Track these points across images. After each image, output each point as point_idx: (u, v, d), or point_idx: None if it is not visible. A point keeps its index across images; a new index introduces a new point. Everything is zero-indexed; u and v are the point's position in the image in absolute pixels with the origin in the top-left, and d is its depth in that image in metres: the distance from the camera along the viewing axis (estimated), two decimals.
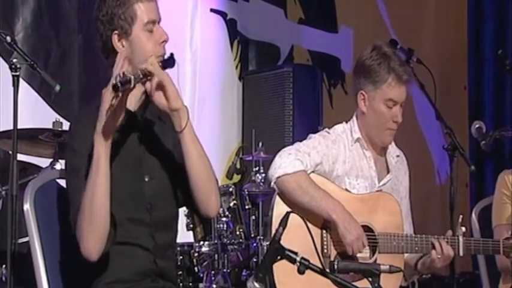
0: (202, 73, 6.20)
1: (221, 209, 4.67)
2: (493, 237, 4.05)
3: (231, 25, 6.43)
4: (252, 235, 5.02)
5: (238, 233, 4.78)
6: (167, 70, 2.93)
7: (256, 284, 2.55)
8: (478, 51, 7.97)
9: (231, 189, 4.89)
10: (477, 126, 4.32)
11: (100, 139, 2.80)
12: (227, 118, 6.39)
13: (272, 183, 3.66)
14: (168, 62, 2.95)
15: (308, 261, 2.57)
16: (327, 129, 3.89)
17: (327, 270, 2.62)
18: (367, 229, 3.67)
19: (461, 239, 3.74)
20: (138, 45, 2.96)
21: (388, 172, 3.89)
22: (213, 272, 4.65)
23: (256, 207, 5.14)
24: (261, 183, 5.11)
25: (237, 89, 6.45)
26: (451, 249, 3.70)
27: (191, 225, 4.73)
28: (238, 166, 5.92)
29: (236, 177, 5.85)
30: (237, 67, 6.50)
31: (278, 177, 3.63)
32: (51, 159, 4.40)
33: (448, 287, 5.99)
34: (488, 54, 7.89)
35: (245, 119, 6.37)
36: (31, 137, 4.34)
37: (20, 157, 3.95)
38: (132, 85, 2.77)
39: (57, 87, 3.29)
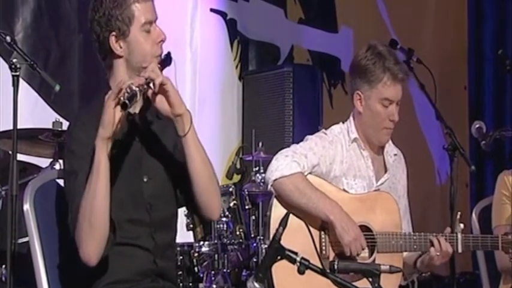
0: (202, 73, 6.19)
1: (221, 209, 4.67)
2: None
3: (231, 25, 6.43)
4: (252, 235, 5.02)
5: (238, 233, 4.78)
6: (165, 69, 2.93)
7: (256, 284, 2.55)
8: (478, 51, 7.97)
9: (231, 189, 4.89)
10: (477, 126, 4.31)
11: (101, 144, 2.79)
12: (227, 118, 6.38)
13: (269, 186, 3.66)
14: (165, 61, 2.95)
15: (308, 261, 2.57)
16: (323, 130, 3.89)
17: (327, 270, 2.62)
18: (365, 229, 3.67)
19: (459, 235, 3.74)
20: (136, 46, 2.95)
21: (385, 171, 3.89)
22: (213, 272, 4.65)
23: (256, 207, 5.14)
24: (261, 183, 5.10)
25: (237, 89, 6.45)
26: (449, 246, 3.69)
27: (191, 225, 4.73)
28: (238, 166, 5.92)
29: (236, 177, 5.85)
30: (237, 67, 6.49)
31: (275, 180, 3.63)
32: (51, 159, 4.40)
33: (448, 287, 6.00)
34: (488, 54, 7.88)
35: (245, 119, 6.37)
36: (31, 137, 4.34)
37: (20, 157, 3.94)
38: (138, 98, 2.80)
39: (57, 87, 3.29)
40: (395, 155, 3.94)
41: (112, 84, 2.94)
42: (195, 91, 6.11)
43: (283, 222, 2.59)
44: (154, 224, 3.01)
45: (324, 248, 3.63)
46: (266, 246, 4.27)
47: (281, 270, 2.73)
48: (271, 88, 6.24)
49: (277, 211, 3.66)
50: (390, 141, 3.92)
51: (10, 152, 3.46)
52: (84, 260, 2.84)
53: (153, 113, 3.04)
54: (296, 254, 2.57)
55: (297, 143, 3.81)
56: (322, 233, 3.65)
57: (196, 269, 4.63)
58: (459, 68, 7.98)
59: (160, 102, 2.90)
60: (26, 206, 3.06)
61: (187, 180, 2.99)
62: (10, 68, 3.22)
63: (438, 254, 3.67)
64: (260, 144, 5.41)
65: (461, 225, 3.75)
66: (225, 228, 4.71)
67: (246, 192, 5.11)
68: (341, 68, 7.06)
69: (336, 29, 7.17)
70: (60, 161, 4.27)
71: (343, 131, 3.86)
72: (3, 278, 4.07)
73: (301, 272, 2.57)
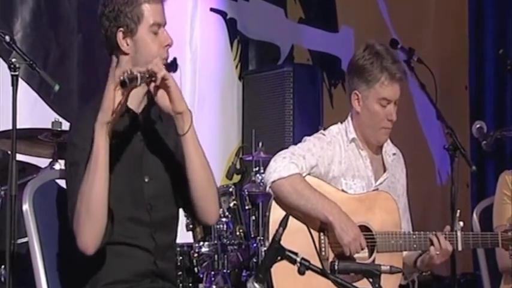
0: (202, 73, 6.19)
1: (221, 209, 4.67)
2: None
3: (231, 24, 6.43)
4: (252, 235, 5.02)
5: (238, 233, 4.78)
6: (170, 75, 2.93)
7: (256, 285, 2.54)
8: (479, 51, 7.97)
9: (231, 190, 4.89)
10: (478, 126, 4.31)
11: (100, 129, 2.80)
12: (227, 118, 6.38)
13: (267, 188, 3.64)
14: (171, 66, 2.95)
15: (308, 261, 2.56)
16: (322, 130, 3.88)
17: (328, 271, 2.61)
18: (364, 229, 3.66)
19: (459, 233, 3.73)
20: (143, 45, 2.96)
21: (384, 171, 3.88)
22: (212, 273, 4.64)
23: (256, 208, 5.14)
24: (261, 184, 5.09)
25: (237, 89, 6.45)
26: (449, 244, 3.68)
27: (191, 226, 4.72)
28: (238, 166, 5.92)
29: (236, 178, 5.85)
30: (237, 67, 6.49)
31: (273, 182, 3.62)
32: (51, 160, 4.40)
33: None
34: (489, 53, 7.88)
35: (245, 119, 6.36)
36: (30, 137, 4.33)
37: (19, 157, 3.93)
38: (138, 83, 2.80)
39: (56, 87, 3.28)
40: (394, 154, 3.93)
41: None
42: (194, 91, 6.11)
43: (283, 223, 2.59)
44: (154, 224, 3.00)
45: (323, 248, 3.62)
46: (266, 247, 4.26)
47: (280, 271, 2.72)
48: (271, 88, 6.24)
49: (276, 213, 3.64)
50: (389, 141, 3.91)
51: (9, 152, 3.45)
52: (81, 248, 2.84)
53: (156, 114, 3.04)
54: (296, 254, 2.57)
55: (297, 143, 3.80)
56: (322, 233, 3.63)
57: (196, 269, 4.63)
58: (460, 68, 7.98)
59: (161, 97, 2.90)
60: (25, 206, 3.07)
61: (186, 184, 2.98)
62: (9, 67, 3.22)
63: (438, 252, 3.66)
64: (260, 144, 5.41)
65: (461, 223, 3.74)
66: (225, 229, 4.71)
67: (246, 193, 5.11)
68: (341, 67, 7.05)
69: (337, 28, 7.17)
70: (60, 161, 4.27)
71: (341, 131, 3.85)
72: (3, 279, 4.06)
73: (301, 272, 2.56)
